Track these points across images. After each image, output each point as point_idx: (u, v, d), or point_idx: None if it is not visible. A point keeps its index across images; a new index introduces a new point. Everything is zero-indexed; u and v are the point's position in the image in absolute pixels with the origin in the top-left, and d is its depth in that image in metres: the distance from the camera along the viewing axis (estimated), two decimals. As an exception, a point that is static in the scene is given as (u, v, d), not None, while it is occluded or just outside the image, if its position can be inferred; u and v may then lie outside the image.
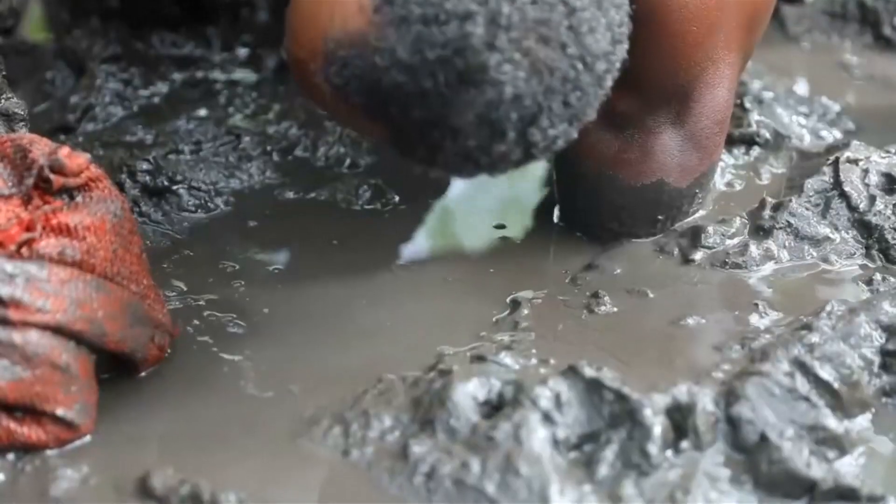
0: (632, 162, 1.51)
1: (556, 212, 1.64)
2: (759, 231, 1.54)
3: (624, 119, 1.50)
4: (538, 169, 1.77)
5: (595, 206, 1.57)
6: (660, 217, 1.56)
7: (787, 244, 1.53)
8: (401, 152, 1.30)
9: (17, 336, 1.19)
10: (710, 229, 1.54)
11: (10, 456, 1.21)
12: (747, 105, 1.79)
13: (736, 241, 1.53)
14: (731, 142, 1.73)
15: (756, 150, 1.74)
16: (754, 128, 1.76)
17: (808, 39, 2.21)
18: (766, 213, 1.55)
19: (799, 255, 1.52)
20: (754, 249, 1.51)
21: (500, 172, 1.28)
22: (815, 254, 1.52)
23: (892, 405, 1.32)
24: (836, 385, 1.28)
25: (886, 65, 2.16)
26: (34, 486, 1.18)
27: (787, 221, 1.54)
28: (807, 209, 1.55)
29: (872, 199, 1.55)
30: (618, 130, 1.51)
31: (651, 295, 1.47)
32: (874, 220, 1.53)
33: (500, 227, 1.65)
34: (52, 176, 1.26)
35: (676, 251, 1.54)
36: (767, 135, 1.75)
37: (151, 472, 1.18)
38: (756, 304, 1.44)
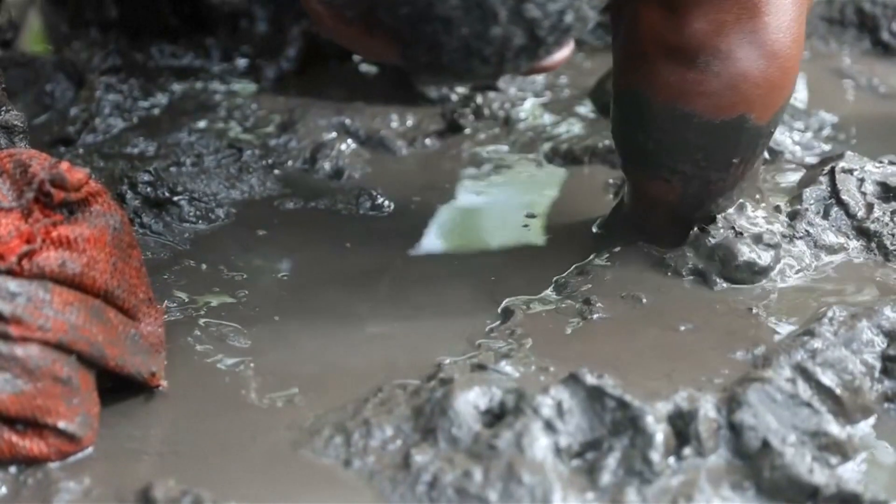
0: (710, 94, 1.41)
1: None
2: (779, 238, 1.54)
3: (694, 46, 1.40)
4: (523, 181, 1.78)
5: (667, 147, 1.46)
6: (735, 160, 1.47)
7: (804, 252, 1.53)
8: (410, 66, 1.24)
9: (18, 350, 1.19)
10: (744, 248, 1.49)
11: (13, 469, 1.21)
12: None
13: (755, 250, 1.52)
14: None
15: None
16: None
17: (807, 46, 2.21)
18: (783, 220, 1.54)
19: (812, 262, 1.52)
20: (768, 256, 1.50)
21: (516, 66, 1.19)
22: (826, 260, 1.53)
23: (895, 410, 1.32)
24: (838, 391, 1.28)
25: (885, 70, 2.16)
26: (36, 499, 1.18)
27: (806, 230, 1.54)
28: (818, 219, 1.55)
29: (870, 206, 1.56)
30: (690, 61, 1.41)
31: (649, 301, 1.47)
32: (873, 226, 1.54)
33: (531, 216, 1.67)
34: (52, 190, 1.26)
35: (693, 273, 1.52)
36: (767, 154, 1.74)
37: (153, 483, 1.18)
38: (756, 310, 1.44)
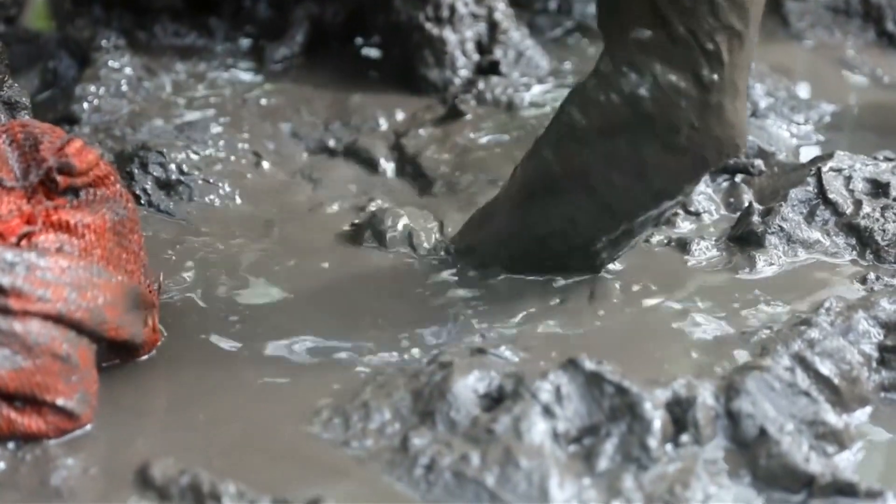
0: None
1: None
2: (752, 236, 1.55)
3: None
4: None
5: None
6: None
7: (779, 247, 1.54)
8: None
9: (17, 325, 1.19)
10: (696, 241, 1.55)
11: (11, 445, 1.21)
12: None
13: (726, 246, 1.54)
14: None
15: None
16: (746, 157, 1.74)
17: (811, 36, 2.21)
18: (755, 218, 1.56)
19: (792, 257, 1.53)
20: (747, 253, 1.52)
21: None
22: (807, 255, 1.53)
23: (891, 400, 1.32)
24: (836, 380, 1.28)
25: (889, 61, 2.16)
26: (34, 476, 1.18)
27: (779, 226, 1.55)
28: (794, 215, 1.56)
29: (859, 203, 1.57)
30: None
31: (651, 290, 1.48)
32: (863, 222, 1.55)
33: None
34: (59, 177, 1.26)
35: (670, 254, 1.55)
36: (763, 166, 1.73)
37: (151, 462, 1.18)
38: (755, 302, 1.44)
